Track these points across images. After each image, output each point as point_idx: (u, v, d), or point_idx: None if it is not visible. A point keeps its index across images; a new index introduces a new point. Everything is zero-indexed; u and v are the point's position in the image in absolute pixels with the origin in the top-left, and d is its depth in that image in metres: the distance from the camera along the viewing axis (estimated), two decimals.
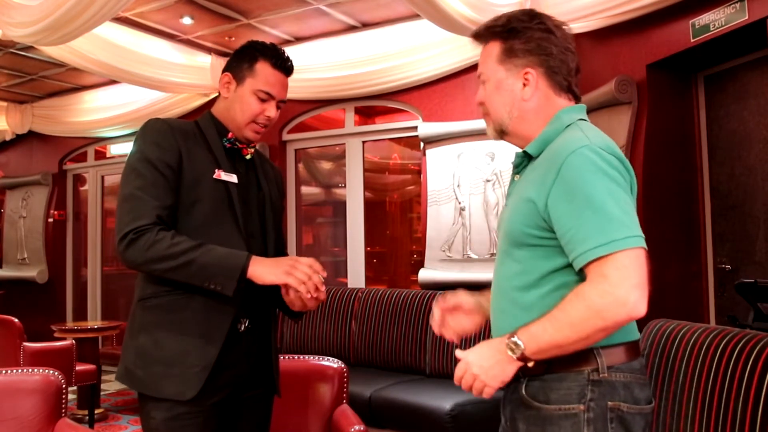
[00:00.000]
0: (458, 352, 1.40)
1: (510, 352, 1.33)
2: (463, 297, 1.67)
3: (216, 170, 1.76)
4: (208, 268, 1.63)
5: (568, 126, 1.45)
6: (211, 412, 1.72)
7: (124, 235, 1.64)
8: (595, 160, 1.32)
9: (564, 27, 1.51)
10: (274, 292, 1.83)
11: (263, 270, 1.64)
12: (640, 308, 1.26)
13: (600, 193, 1.30)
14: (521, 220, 1.41)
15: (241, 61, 1.84)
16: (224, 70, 1.87)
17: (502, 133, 1.54)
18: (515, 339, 1.32)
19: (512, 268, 1.44)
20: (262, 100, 1.82)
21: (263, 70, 1.81)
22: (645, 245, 1.30)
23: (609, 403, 1.35)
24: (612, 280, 1.25)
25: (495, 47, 1.51)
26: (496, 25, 1.51)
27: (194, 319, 1.69)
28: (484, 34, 1.54)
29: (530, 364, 1.35)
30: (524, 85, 1.47)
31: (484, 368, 1.35)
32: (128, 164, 1.74)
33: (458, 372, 1.39)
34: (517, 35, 1.47)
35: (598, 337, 1.29)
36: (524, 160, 1.51)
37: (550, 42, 1.46)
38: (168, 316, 1.69)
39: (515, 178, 1.54)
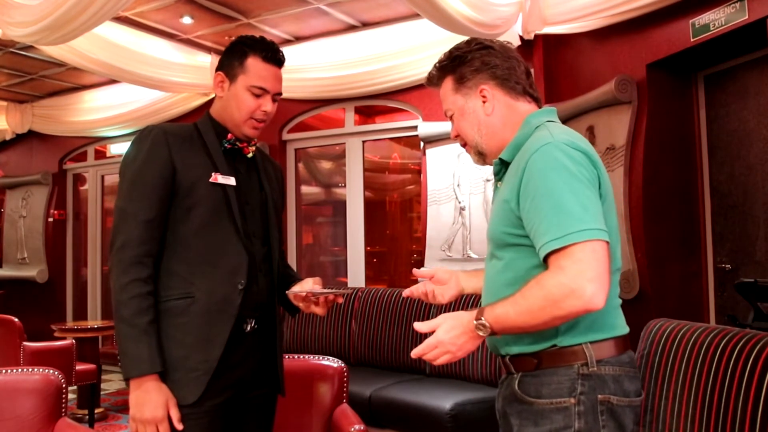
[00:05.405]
0: (417, 324, 1.42)
1: (480, 332, 1.37)
2: (439, 270, 1.79)
3: (213, 174, 1.75)
4: (121, 349, 1.64)
5: (537, 128, 1.49)
6: (216, 412, 1.72)
7: (124, 261, 1.66)
8: (557, 156, 1.37)
9: (502, 42, 1.62)
10: (278, 290, 1.85)
11: (136, 398, 1.63)
12: (597, 301, 1.29)
13: (558, 189, 1.34)
14: (500, 222, 1.47)
15: (231, 58, 1.82)
16: (217, 70, 1.85)
17: (482, 155, 1.61)
18: (483, 321, 1.36)
19: (498, 267, 1.50)
20: (257, 96, 1.80)
21: (254, 65, 1.80)
22: (605, 237, 1.32)
23: (599, 396, 1.39)
24: (568, 273, 1.29)
25: (448, 82, 1.60)
26: (442, 61, 1.62)
27: (194, 324, 1.69)
28: (436, 75, 1.64)
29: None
30: (483, 102, 1.55)
31: (454, 342, 1.38)
32: (122, 175, 1.75)
33: (427, 346, 1.39)
34: (462, 62, 1.57)
35: (557, 323, 1.35)
36: (502, 168, 1.55)
37: (492, 56, 1.56)
38: (168, 321, 1.69)
39: (498, 185, 1.58)
